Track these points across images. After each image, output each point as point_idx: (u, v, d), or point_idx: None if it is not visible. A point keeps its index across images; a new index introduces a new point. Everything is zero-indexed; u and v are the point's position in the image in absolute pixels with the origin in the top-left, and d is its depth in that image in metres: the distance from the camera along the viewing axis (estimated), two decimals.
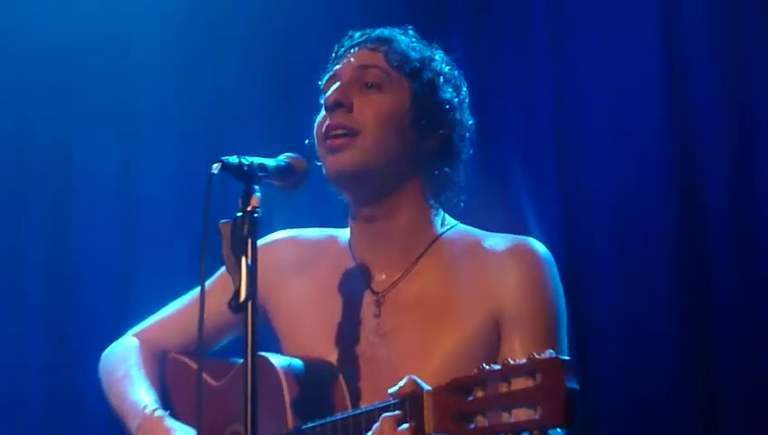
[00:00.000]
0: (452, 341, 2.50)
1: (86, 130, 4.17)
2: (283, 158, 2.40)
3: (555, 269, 2.58)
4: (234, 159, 2.24)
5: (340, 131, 2.56)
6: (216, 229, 2.15)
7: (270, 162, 2.34)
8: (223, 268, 2.63)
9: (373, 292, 2.60)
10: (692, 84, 3.58)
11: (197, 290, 2.76)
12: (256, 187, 2.25)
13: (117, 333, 2.88)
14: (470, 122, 2.70)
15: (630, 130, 3.64)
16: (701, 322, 3.48)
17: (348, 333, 2.58)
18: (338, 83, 2.60)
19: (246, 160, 2.25)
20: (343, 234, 2.72)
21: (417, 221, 2.61)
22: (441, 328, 2.52)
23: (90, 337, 3.69)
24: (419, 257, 2.60)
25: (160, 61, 4.16)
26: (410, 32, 2.72)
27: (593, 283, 3.62)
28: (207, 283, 2.67)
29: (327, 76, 2.66)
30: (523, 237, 2.63)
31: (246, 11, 4.12)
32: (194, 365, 2.75)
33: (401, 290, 2.59)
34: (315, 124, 2.63)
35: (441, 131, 2.62)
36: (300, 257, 2.73)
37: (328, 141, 2.56)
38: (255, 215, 2.19)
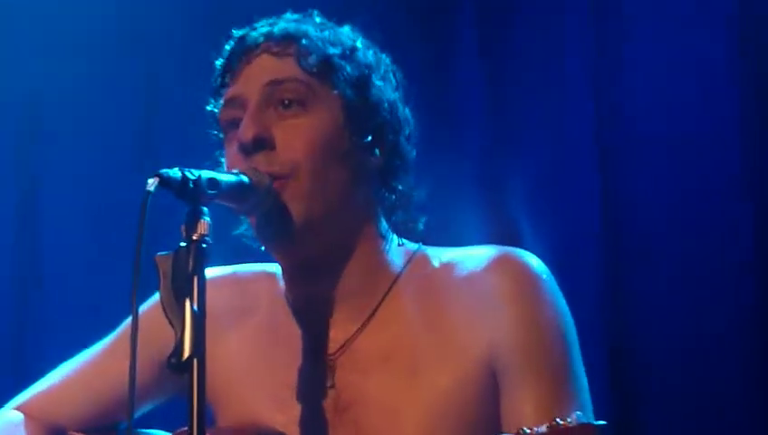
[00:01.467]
0: (431, 401, 2.20)
1: None
2: (238, 172, 2.11)
3: (553, 282, 2.25)
4: (176, 173, 1.94)
5: None
6: (152, 264, 1.91)
7: (223, 177, 2.05)
8: (144, 308, 2.35)
9: (322, 354, 2.28)
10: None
11: (101, 345, 2.49)
12: (205, 208, 1.95)
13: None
14: (409, 116, 2.37)
15: (690, 119, 3.48)
16: None
17: (300, 410, 2.26)
18: (244, 110, 2.23)
19: (192, 174, 1.96)
20: (276, 269, 2.38)
21: (370, 266, 2.29)
22: (415, 388, 2.22)
23: None
24: (377, 306, 2.28)
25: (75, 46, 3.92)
26: (316, 16, 2.35)
27: (644, 286, 3.49)
28: (116, 335, 2.41)
29: (222, 100, 2.28)
30: (506, 249, 2.29)
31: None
32: None
33: (358, 349, 2.27)
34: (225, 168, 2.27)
35: (390, 137, 2.30)
36: (235, 304, 2.41)
37: None
38: (204, 245, 1.92)
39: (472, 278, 2.25)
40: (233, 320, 2.39)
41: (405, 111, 2.36)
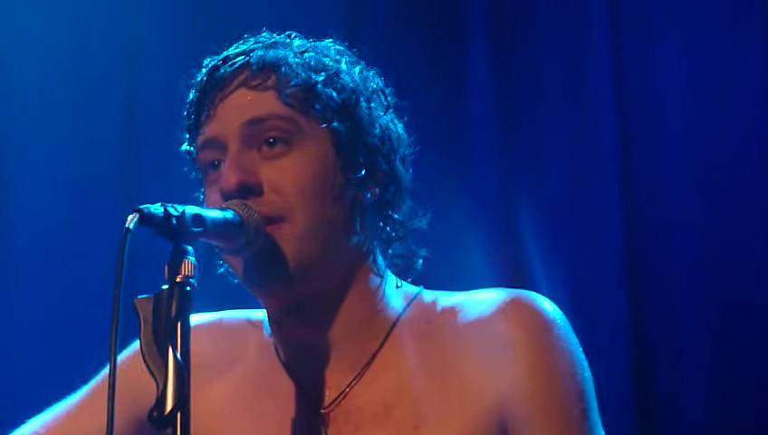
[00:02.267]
0: None
1: None
2: (226, 207, 2.01)
3: (569, 328, 2.14)
4: (157, 209, 1.84)
5: None
6: (131, 309, 1.81)
7: (210, 213, 1.95)
8: (122, 358, 2.25)
9: (315, 407, 2.16)
10: None
11: (74, 399, 2.36)
12: (189, 248, 1.86)
13: None
14: (403, 133, 2.24)
15: (721, 140, 3.45)
16: None
17: None
18: (223, 151, 2.12)
19: (176, 210, 1.86)
20: (261, 317, 2.27)
21: (366, 309, 2.17)
22: None
23: None
24: (375, 354, 2.16)
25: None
26: (295, 38, 2.21)
27: (673, 330, 3.44)
28: (90, 388, 2.29)
29: (198, 139, 2.15)
30: (516, 292, 2.16)
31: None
32: None
33: (354, 403, 2.15)
34: None
35: (384, 166, 2.18)
36: (219, 353, 2.29)
37: None
38: (188, 288, 1.82)
39: (479, 324, 2.13)
40: (216, 370, 2.26)
41: (398, 131, 2.23)
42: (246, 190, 2.07)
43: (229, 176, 2.07)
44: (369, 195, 2.17)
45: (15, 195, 3.86)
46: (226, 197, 2.07)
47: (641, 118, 3.53)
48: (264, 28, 2.23)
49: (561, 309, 2.17)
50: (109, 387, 1.77)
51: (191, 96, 2.19)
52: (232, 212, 2.00)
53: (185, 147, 2.21)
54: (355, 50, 2.26)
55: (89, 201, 3.72)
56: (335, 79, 2.16)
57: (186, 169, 2.23)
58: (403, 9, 3.74)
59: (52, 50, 3.94)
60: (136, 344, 2.16)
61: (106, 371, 2.27)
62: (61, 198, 3.80)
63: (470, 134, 3.67)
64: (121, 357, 2.22)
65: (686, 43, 3.54)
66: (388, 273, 2.22)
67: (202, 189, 2.20)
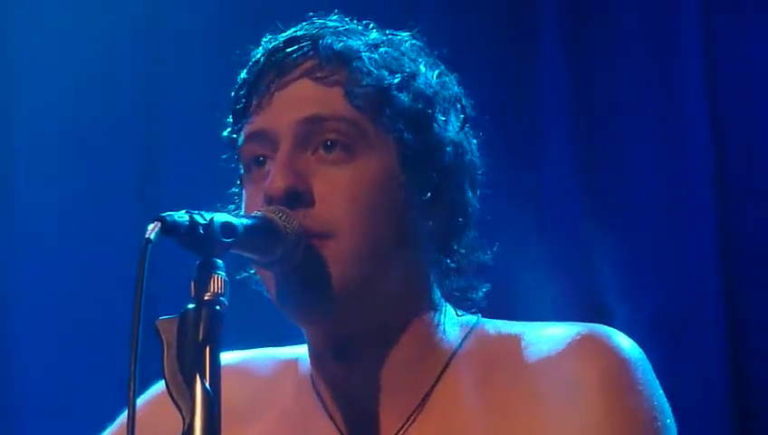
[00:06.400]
0: None
1: None
2: (260, 215, 1.96)
3: (649, 369, 2.09)
4: (182, 216, 1.80)
5: None
6: (153, 331, 1.78)
7: (242, 221, 1.89)
8: (151, 393, 2.23)
9: None
10: None
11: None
12: (219, 261, 1.83)
13: None
14: (477, 156, 2.17)
15: None
16: None
17: None
18: (273, 147, 2.06)
19: (203, 218, 1.82)
20: (298, 354, 2.22)
21: (418, 347, 2.12)
22: None
23: None
24: (429, 392, 2.11)
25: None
26: (372, 29, 2.15)
27: None
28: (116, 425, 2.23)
29: (245, 128, 2.09)
30: (590, 327, 2.11)
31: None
32: None
33: None
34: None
35: (454, 192, 2.13)
36: (251, 399, 2.25)
37: None
38: (218, 308, 1.80)
39: (547, 364, 2.07)
40: (247, 417, 2.22)
41: (472, 151, 2.17)
42: (294, 198, 2.00)
43: (277, 179, 2.01)
44: (431, 222, 2.10)
45: (28, 203, 3.95)
46: (270, 202, 2.00)
47: (738, 114, 3.52)
48: (336, 11, 2.16)
49: (647, 342, 2.12)
50: (128, 419, 1.73)
51: (243, 75, 2.11)
52: (267, 219, 1.94)
53: (226, 133, 2.15)
54: (436, 53, 2.19)
55: (105, 209, 3.76)
56: (411, 83, 2.08)
57: (219, 163, 2.19)
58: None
59: (72, 54, 4.06)
60: (157, 387, 2.15)
61: (123, 417, 2.21)
62: (76, 206, 3.86)
63: (540, 137, 3.68)
64: (144, 399, 2.20)
65: None
66: (444, 302, 2.15)
67: (238, 182, 2.14)
